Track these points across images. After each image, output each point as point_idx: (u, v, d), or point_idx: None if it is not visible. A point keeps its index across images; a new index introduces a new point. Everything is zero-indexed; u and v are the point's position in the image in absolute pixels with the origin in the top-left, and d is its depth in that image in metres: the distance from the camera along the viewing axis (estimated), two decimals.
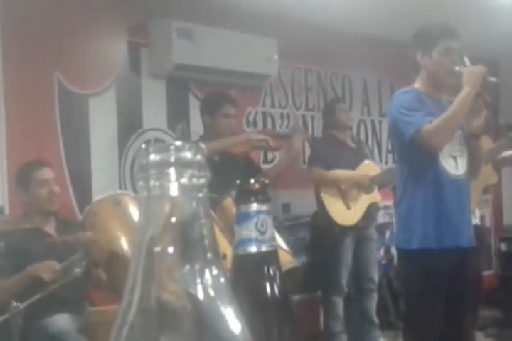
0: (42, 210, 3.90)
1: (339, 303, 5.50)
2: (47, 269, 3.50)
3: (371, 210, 5.61)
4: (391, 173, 5.60)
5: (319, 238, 5.68)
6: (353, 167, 5.54)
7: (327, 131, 5.94)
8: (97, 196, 4.01)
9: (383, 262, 6.60)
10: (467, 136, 3.51)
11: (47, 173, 3.95)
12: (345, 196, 5.47)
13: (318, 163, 5.45)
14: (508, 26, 6.12)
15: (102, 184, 4.75)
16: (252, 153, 5.01)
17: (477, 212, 4.91)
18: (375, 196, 5.65)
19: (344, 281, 5.48)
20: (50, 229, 3.93)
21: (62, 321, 3.61)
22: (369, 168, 5.62)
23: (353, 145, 5.74)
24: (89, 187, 4.74)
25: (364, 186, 5.51)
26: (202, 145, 0.60)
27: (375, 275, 5.69)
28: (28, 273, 3.52)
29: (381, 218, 6.74)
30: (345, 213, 5.45)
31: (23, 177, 3.93)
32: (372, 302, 5.67)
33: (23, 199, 3.94)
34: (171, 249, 0.58)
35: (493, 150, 4.65)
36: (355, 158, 5.60)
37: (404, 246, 3.51)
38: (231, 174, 4.04)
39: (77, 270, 3.43)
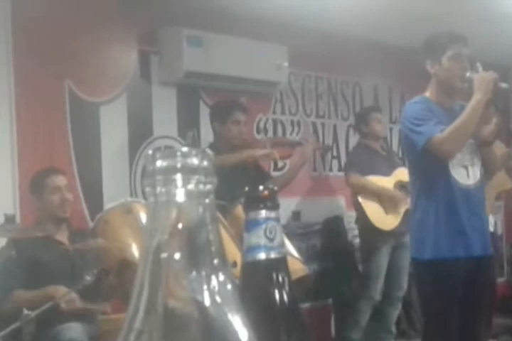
0: (54, 217, 3.91)
1: (367, 311, 5.48)
2: (69, 302, 3.49)
3: (408, 216, 5.60)
4: None
5: (362, 242, 5.67)
6: (387, 174, 5.58)
7: (360, 139, 5.97)
8: (108, 204, 4.02)
9: None
10: (479, 144, 3.50)
11: (60, 180, 3.97)
12: (383, 201, 5.48)
13: (355, 168, 5.51)
14: None
15: (113, 192, 4.75)
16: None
17: (491, 219, 4.88)
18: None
19: (377, 290, 5.46)
20: (62, 237, 3.94)
21: (73, 329, 3.61)
22: (403, 174, 5.63)
23: (384, 153, 5.79)
24: (100, 195, 4.75)
25: (401, 190, 5.52)
26: (209, 151, 0.60)
27: (405, 284, 5.65)
28: (46, 295, 3.51)
29: None
30: (383, 218, 5.46)
31: (36, 184, 3.95)
32: (396, 311, 5.66)
33: (36, 206, 3.95)
34: (177, 255, 0.58)
35: (507, 156, 4.64)
36: (387, 166, 5.65)
37: (417, 256, 3.51)
38: (241, 181, 4.04)
39: (88, 278, 3.43)
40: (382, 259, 5.45)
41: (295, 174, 5.10)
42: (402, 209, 5.51)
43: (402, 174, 5.60)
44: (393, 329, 5.63)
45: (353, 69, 6.54)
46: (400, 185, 5.54)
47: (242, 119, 4.83)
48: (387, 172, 5.59)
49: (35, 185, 3.96)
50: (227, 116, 4.77)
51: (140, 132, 5.05)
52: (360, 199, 5.48)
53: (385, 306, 5.59)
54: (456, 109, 3.53)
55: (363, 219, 5.48)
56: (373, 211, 5.45)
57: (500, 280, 7.27)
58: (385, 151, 5.88)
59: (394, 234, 5.44)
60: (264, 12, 5.41)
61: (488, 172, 3.57)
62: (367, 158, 5.61)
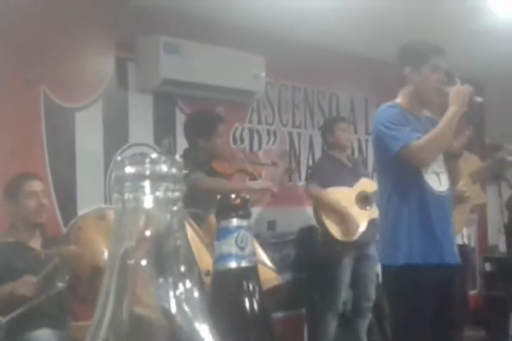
0: (29, 222, 3.88)
1: (332, 323, 5.48)
2: (24, 285, 3.48)
3: (371, 226, 5.61)
4: None
5: (316, 256, 5.67)
6: (351, 185, 5.58)
7: (326, 150, 5.97)
8: (81, 210, 4.00)
9: None
10: (446, 156, 3.51)
11: (36, 185, 3.95)
12: (344, 212, 5.47)
13: (316, 179, 5.49)
14: (493, 48, 6.17)
15: (87, 198, 4.73)
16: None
17: (465, 232, 4.91)
18: (375, 212, 5.65)
19: (341, 301, 5.46)
20: (35, 243, 3.91)
21: (44, 336, 3.58)
22: (367, 184, 5.64)
23: (349, 164, 5.78)
24: (74, 201, 4.72)
25: (363, 201, 5.53)
26: (178, 158, 0.60)
27: (373, 294, 5.66)
28: (7, 292, 3.50)
29: None
30: (344, 229, 5.45)
31: (12, 189, 3.92)
32: (366, 322, 5.66)
33: (11, 211, 3.92)
34: (144, 262, 0.58)
35: (481, 169, 4.67)
36: (352, 177, 5.64)
37: (389, 262, 3.50)
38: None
39: (60, 284, 3.41)
40: (345, 271, 5.45)
41: (267, 193, 5.00)
42: (365, 219, 5.53)
43: (366, 184, 5.63)
44: (364, 339, 5.63)
45: (329, 80, 6.57)
46: (363, 196, 5.56)
47: (222, 131, 4.79)
48: (351, 183, 5.59)
49: (10, 189, 3.93)
50: (213, 131, 4.64)
51: (115, 139, 5.03)
52: (320, 210, 5.48)
53: (355, 317, 5.61)
54: (423, 119, 3.55)
55: (323, 231, 5.48)
56: (333, 222, 5.45)
57: (472, 292, 7.32)
58: (351, 162, 5.84)
59: (356, 244, 5.45)
60: (242, 22, 5.42)
61: (451, 182, 3.59)
62: (331, 168, 5.59)
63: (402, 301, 3.46)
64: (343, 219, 5.45)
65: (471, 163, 4.72)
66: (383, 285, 4.13)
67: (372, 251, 5.68)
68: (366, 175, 5.90)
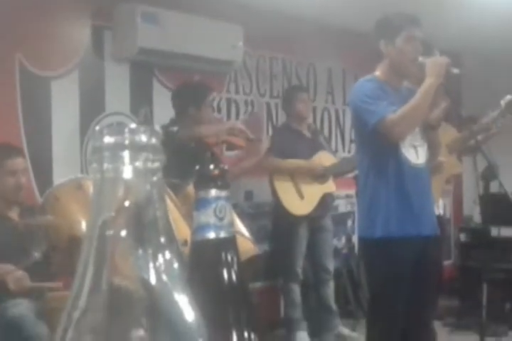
0: (6, 199, 3.85)
1: (296, 290, 5.53)
2: (17, 281, 3.45)
3: (326, 200, 5.63)
4: (346, 163, 5.65)
5: (277, 226, 5.71)
6: (309, 157, 5.55)
7: (285, 120, 5.93)
8: (58, 180, 3.98)
9: (344, 251, 6.64)
10: (424, 127, 3.52)
11: (19, 164, 3.89)
12: (298, 186, 5.48)
13: (274, 152, 5.42)
14: (471, 20, 6.16)
15: (63, 168, 4.70)
16: None
17: (441, 202, 4.95)
18: (330, 186, 5.67)
19: (299, 269, 5.51)
20: (13, 214, 3.89)
21: (20, 305, 3.57)
22: (324, 158, 5.63)
23: (308, 134, 5.73)
24: (50, 171, 4.70)
25: (318, 175, 5.54)
26: (157, 128, 0.59)
27: (330, 265, 5.72)
28: None
29: (343, 207, 6.78)
30: (298, 203, 5.46)
31: None
32: (329, 291, 5.71)
33: None
34: (123, 233, 0.57)
35: (458, 141, 4.69)
36: (310, 148, 5.60)
37: (366, 234, 3.52)
38: (196, 160, 4.03)
39: (37, 254, 3.40)
40: (301, 241, 5.49)
41: (250, 167, 5.05)
42: (320, 193, 5.55)
43: (323, 158, 5.62)
44: (333, 307, 5.69)
45: (307, 51, 6.54)
46: (319, 169, 5.55)
47: (211, 101, 4.85)
48: (309, 154, 5.56)
49: None
50: (204, 100, 4.71)
51: (92, 108, 4.99)
52: (275, 183, 5.48)
53: (318, 287, 5.68)
54: (404, 91, 3.55)
55: (277, 203, 5.48)
56: (288, 196, 5.45)
57: (447, 262, 7.40)
58: (311, 132, 5.79)
59: (310, 218, 5.48)
60: None
61: (432, 154, 3.61)
62: (289, 139, 5.52)
63: (378, 272, 3.50)
64: (297, 193, 5.47)
65: (448, 134, 4.75)
66: (360, 256, 4.17)
67: (328, 223, 5.72)
68: (326, 147, 5.86)
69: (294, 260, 5.49)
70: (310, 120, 6.08)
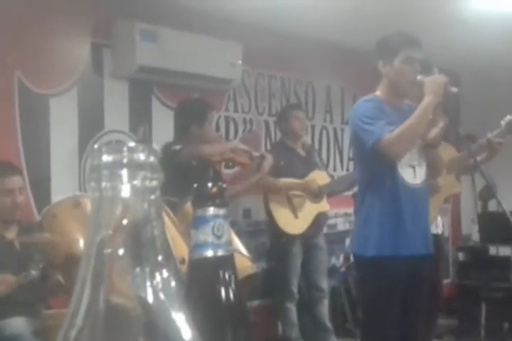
0: (2, 218, 3.84)
1: (292, 309, 5.52)
2: (1, 282, 3.45)
3: (319, 219, 5.64)
4: (340, 182, 5.67)
5: (271, 245, 5.71)
6: (303, 176, 5.55)
7: (280, 138, 5.94)
8: (56, 197, 3.97)
9: (342, 269, 6.63)
10: (424, 146, 3.53)
11: (15, 182, 3.87)
12: (293, 205, 5.48)
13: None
14: (469, 38, 6.19)
15: (62, 185, 4.70)
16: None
17: (439, 221, 4.94)
18: (324, 205, 5.68)
19: (295, 288, 5.50)
20: (10, 233, 3.88)
21: (17, 324, 3.56)
22: (319, 177, 5.64)
23: (303, 153, 5.72)
24: (48, 189, 4.69)
25: (312, 195, 5.54)
26: (155, 146, 0.59)
27: (324, 284, 5.71)
28: None
29: (341, 225, 6.78)
30: (292, 222, 5.46)
31: None
32: (324, 309, 5.70)
33: None
34: (121, 251, 0.57)
35: (456, 160, 4.68)
36: (305, 167, 5.60)
37: (360, 252, 3.53)
38: (195, 179, 4.05)
39: (34, 272, 3.39)
40: (295, 260, 5.49)
41: (252, 185, 5.11)
42: (314, 212, 5.55)
43: (318, 177, 5.62)
44: (328, 325, 5.68)
45: (306, 69, 6.56)
46: (313, 188, 5.55)
47: (212, 118, 4.90)
48: (304, 173, 5.57)
49: None
50: (206, 117, 4.75)
51: (91, 126, 5.00)
52: (269, 201, 5.47)
53: (312, 306, 5.66)
54: (405, 109, 3.56)
55: (271, 222, 5.48)
56: (282, 215, 5.45)
57: (445, 281, 7.38)
58: (305, 151, 5.78)
59: (303, 236, 5.48)
60: (219, 9, 5.40)
61: (432, 173, 3.61)
62: (284, 158, 5.51)
63: (370, 290, 3.50)
64: (291, 212, 5.47)
65: (446, 153, 4.74)
66: (355, 275, 4.17)
67: (321, 242, 5.71)
68: (320, 165, 5.86)
69: (289, 279, 5.48)
70: (306, 138, 6.07)
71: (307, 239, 5.52)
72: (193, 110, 4.83)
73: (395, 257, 3.38)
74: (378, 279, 3.39)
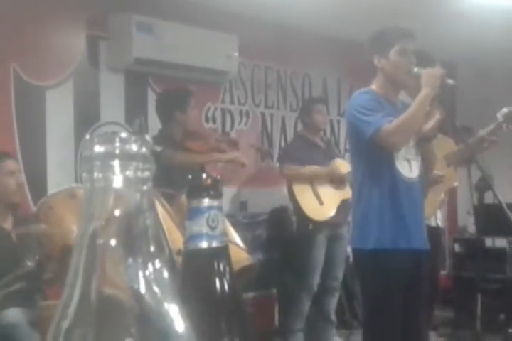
0: (5, 202, 3.85)
1: (307, 302, 5.50)
2: None
3: (344, 207, 5.63)
4: None
5: (289, 235, 5.69)
6: (324, 165, 5.60)
7: (301, 130, 6.00)
8: (52, 189, 3.98)
9: None
10: (418, 140, 3.53)
11: (14, 165, 3.93)
12: (317, 192, 5.50)
13: (290, 160, 5.50)
14: (466, 30, 6.19)
15: (58, 177, 4.70)
16: None
17: (439, 214, 4.94)
18: (348, 192, 5.67)
19: (315, 280, 5.49)
20: (6, 223, 3.88)
21: (13, 315, 3.57)
22: (340, 165, 5.67)
23: (322, 145, 5.79)
24: (44, 181, 4.69)
25: (336, 181, 5.56)
26: (148, 137, 0.59)
27: (341, 274, 5.70)
28: None
29: None
30: (318, 208, 5.47)
31: None
32: (333, 301, 5.70)
33: None
34: (113, 242, 0.57)
35: (456, 153, 4.67)
36: (325, 158, 5.66)
37: (359, 246, 3.52)
38: (189, 170, 4.12)
39: (30, 263, 3.40)
40: (319, 250, 5.49)
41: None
42: (338, 199, 5.56)
43: (339, 165, 5.66)
44: (333, 318, 5.67)
45: (302, 61, 6.56)
46: (336, 176, 5.59)
47: (194, 104, 4.89)
48: (324, 163, 5.62)
49: None
50: (188, 103, 4.80)
51: (86, 118, 5.00)
52: (294, 189, 5.50)
53: (322, 296, 5.63)
54: (399, 105, 3.56)
55: (297, 210, 5.51)
56: (307, 202, 5.47)
57: (442, 273, 7.39)
58: (324, 143, 5.86)
59: (329, 224, 5.48)
60: (216, 1, 5.39)
61: (427, 167, 3.61)
62: (304, 149, 5.61)
63: (371, 284, 3.49)
64: (316, 199, 5.48)
65: (445, 145, 4.74)
66: (354, 268, 4.16)
67: (344, 232, 5.71)
68: (339, 156, 5.93)
69: (311, 270, 5.45)
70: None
71: (332, 228, 5.51)
72: (175, 96, 4.89)
73: (395, 250, 3.38)
74: (379, 272, 3.39)
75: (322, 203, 5.50)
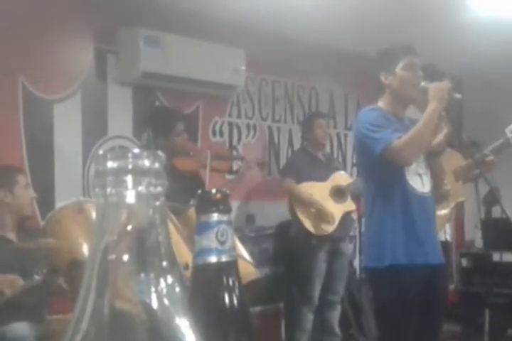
0: (19, 215, 3.87)
1: (309, 316, 5.51)
2: (9, 284, 3.45)
3: (346, 221, 5.64)
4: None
5: (291, 249, 5.68)
6: (325, 180, 5.59)
7: (302, 145, 6.02)
8: (59, 202, 3.98)
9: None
10: (427, 154, 3.52)
11: (26, 178, 3.98)
12: (318, 206, 5.48)
13: (291, 173, 5.51)
14: (472, 44, 6.19)
15: (65, 191, 4.70)
16: None
17: (447, 229, 4.92)
18: (349, 205, 5.68)
19: (316, 295, 5.49)
20: (14, 236, 3.89)
21: (20, 329, 3.56)
22: (341, 178, 5.67)
23: (323, 159, 5.79)
24: (52, 194, 4.70)
25: (337, 195, 5.56)
26: (160, 153, 0.60)
27: (342, 289, 5.71)
28: None
29: None
30: (318, 223, 5.47)
31: (6, 179, 3.88)
32: (335, 314, 5.70)
33: (3, 201, 3.87)
34: (126, 257, 0.57)
35: (464, 167, 4.66)
36: (326, 172, 5.66)
37: (374, 263, 3.50)
38: (195, 184, 4.14)
39: (37, 277, 3.39)
40: (320, 264, 5.49)
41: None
42: (340, 212, 5.56)
43: (340, 178, 5.66)
44: (337, 331, 5.67)
45: (309, 74, 6.57)
46: (337, 189, 5.59)
47: (183, 129, 4.84)
48: (325, 177, 5.62)
49: (4, 179, 3.89)
50: (171, 130, 4.75)
51: (94, 131, 5.01)
52: (295, 205, 5.50)
53: (324, 310, 5.64)
54: (406, 121, 3.57)
55: (297, 224, 5.49)
56: (308, 217, 5.47)
57: (449, 287, 7.36)
58: (325, 157, 5.87)
59: (330, 239, 5.48)
60: (223, 15, 5.41)
61: (436, 182, 3.60)
62: (306, 163, 5.61)
63: (388, 300, 3.46)
64: (318, 213, 5.47)
65: (454, 160, 4.73)
66: (369, 286, 4.15)
67: (346, 247, 5.72)
68: (340, 169, 5.93)
69: (311, 285, 5.47)
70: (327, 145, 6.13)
71: (334, 242, 5.51)
72: (157, 121, 4.85)
73: (410, 266, 3.37)
74: (394, 288, 3.37)
75: (321, 220, 5.50)
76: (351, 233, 6.67)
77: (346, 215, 5.63)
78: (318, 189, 5.54)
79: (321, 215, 5.46)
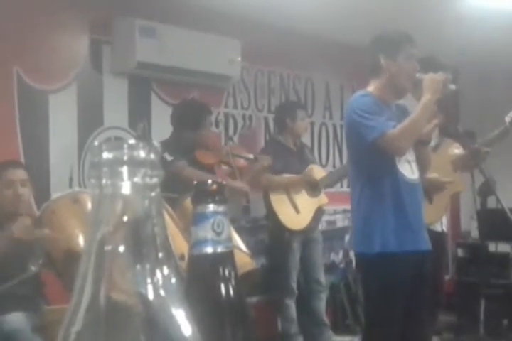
0: (4, 212, 3.83)
1: (291, 305, 5.54)
2: (22, 227, 3.49)
3: (318, 213, 5.66)
4: (336, 174, 5.73)
5: (271, 242, 5.71)
6: (299, 172, 5.56)
7: (275, 134, 5.96)
8: (55, 193, 3.97)
9: (341, 266, 6.64)
10: (416, 143, 3.52)
11: (16, 174, 3.85)
12: (294, 200, 5.49)
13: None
14: (467, 35, 6.19)
15: (61, 181, 4.70)
16: None
17: (444, 219, 4.93)
18: (323, 199, 5.70)
19: (294, 284, 5.52)
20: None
21: (16, 320, 3.57)
22: (315, 171, 5.66)
23: (295, 149, 5.73)
24: (47, 184, 4.69)
25: (311, 189, 5.56)
26: (156, 144, 0.59)
27: (322, 277, 5.73)
28: (6, 236, 3.49)
29: (340, 222, 6.77)
30: (294, 217, 5.48)
31: None
32: (321, 303, 5.72)
33: None
34: (122, 248, 0.57)
35: (462, 157, 4.67)
36: (299, 163, 5.62)
37: (364, 250, 3.51)
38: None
39: (33, 268, 3.40)
40: (295, 254, 5.51)
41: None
42: (314, 207, 5.57)
43: (314, 171, 5.65)
44: (325, 320, 5.70)
45: (305, 65, 6.56)
46: (312, 183, 5.58)
47: (209, 123, 4.96)
48: (299, 168, 5.58)
49: None
50: (200, 123, 4.83)
51: (90, 122, 5.00)
52: (271, 198, 5.47)
53: (310, 300, 5.67)
54: (393, 107, 3.57)
55: (273, 218, 5.48)
56: (284, 211, 5.46)
57: (445, 277, 7.38)
58: (296, 147, 5.76)
59: (303, 230, 5.50)
60: (218, 5, 5.40)
61: (421, 169, 3.61)
62: (279, 154, 5.48)
63: (377, 287, 3.47)
64: (293, 207, 5.48)
65: (452, 150, 4.74)
66: (357, 272, 4.16)
67: (317, 234, 5.74)
68: (314, 160, 5.90)
69: (288, 275, 5.50)
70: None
71: (306, 233, 5.54)
72: (187, 114, 4.89)
73: (400, 253, 3.38)
74: (384, 276, 3.38)
75: (298, 211, 5.51)
76: (346, 224, 6.69)
77: (319, 209, 5.66)
78: (293, 181, 5.52)
79: (294, 209, 5.48)
